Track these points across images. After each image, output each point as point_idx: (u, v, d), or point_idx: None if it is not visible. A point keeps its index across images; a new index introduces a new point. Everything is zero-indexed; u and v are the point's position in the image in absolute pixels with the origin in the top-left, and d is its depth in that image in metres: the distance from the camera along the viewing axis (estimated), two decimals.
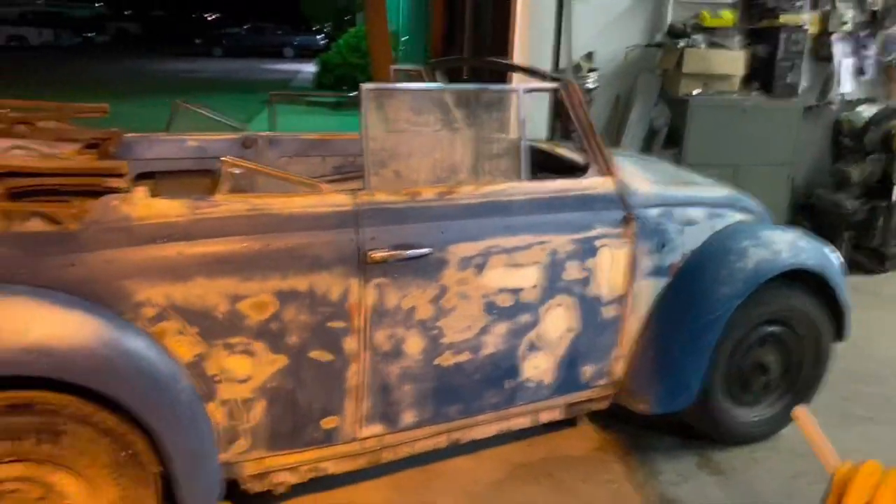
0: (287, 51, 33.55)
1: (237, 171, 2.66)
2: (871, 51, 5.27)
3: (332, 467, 2.24)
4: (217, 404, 2.01)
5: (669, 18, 5.07)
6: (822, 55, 5.25)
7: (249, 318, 1.99)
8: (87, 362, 1.75)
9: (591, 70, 4.99)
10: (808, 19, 4.98)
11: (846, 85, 5.26)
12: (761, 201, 4.38)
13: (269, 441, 2.11)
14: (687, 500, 2.56)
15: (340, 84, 14.63)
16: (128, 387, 1.80)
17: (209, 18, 63.59)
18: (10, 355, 1.67)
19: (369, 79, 14.34)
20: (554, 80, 2.43)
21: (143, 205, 1.89)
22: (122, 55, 31.44)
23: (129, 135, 2.86)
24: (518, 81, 4.65)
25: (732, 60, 4.84)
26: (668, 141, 5.02)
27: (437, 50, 8.19)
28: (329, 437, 2.19)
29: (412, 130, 2.23)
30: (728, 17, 4.92)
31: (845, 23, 5.18)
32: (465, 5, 6.56)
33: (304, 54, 32.98)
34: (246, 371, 2.02)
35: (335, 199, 2.09)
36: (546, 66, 4.88)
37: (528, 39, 4.83)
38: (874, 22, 5.27)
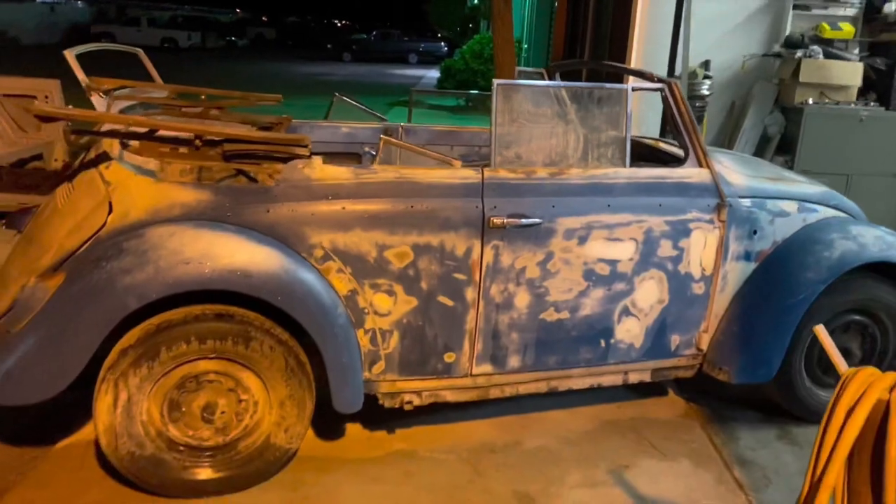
0: (412, 57, 34.79)
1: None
2: None
3: (448, 396, 2.70)
4: (363, 332, 2.52)
5: (788, 29, 5.21)
6: None
7: (392, 264, 2.49)
8: (274, 284, 2.29)
9: (706, 77, 5.22)
10: None
11: None
12: (873, 211, 4.49)
13: (400, 367, 2.60)
14: (762, 463, 2.82)
15: (462, 88, 15.22)
16: (302, 307, 2.33)
17: (339, 25, 66.65)
18: (221, 274, 2.24)
19: (490, 86, 14.89)
20: (659, 80, 2.78)
21: (320, 169, 2.43)
22: (261, 57, 33.69)
23: (296, 121, 3.46)
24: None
25: (850, 71, 4.93)
26: (782, 147, 5.17)
27: (558, 56, 8.55)
28: (448, 370, 2.65)
29: (532, 120, 2.65)
30: (848, 29, 5.02)
31: None
32: (588, 17, 6.91)
33: (426, 60, 34.15)
34: (387, 307, 2.52)
35: (465, 173, 2.55)
36: (662, 72, 5.16)
37: (644, 46, 5.14)
38: None
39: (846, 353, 3.01)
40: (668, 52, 5.05)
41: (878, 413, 1.28)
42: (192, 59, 29.46)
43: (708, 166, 2.82)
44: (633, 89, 2.67)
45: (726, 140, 5.44)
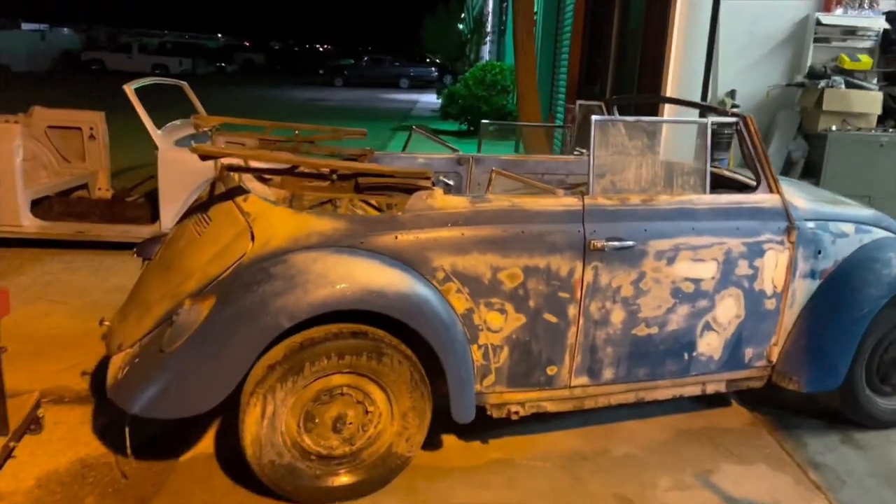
0: (403, 81, 35.26)
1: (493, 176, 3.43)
2: None
3: (549, 406, 2.92)
4: (477, 347, 2.74)
5: (809, 61, 5.55)
6: None
7: (504, 284, 2.71)
8: (405, 304, 2.51)
9: (733, 106, 5.53)
10: None
11: None
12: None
13: (508, 379, 2.81)
14: (833, 466, 3.06)
15: (465, 114, 15.57)
16: (428, 325, 2.55)
17: (321, 49, 67.22)
18: (359, 294, 2.46)
19: (493, 111, 15.25)
20: (734, 115, 3.05)
21: (441, 199, 2.66)
22: (253, 83, 33.96)
23: (377, 153, 3.69)
24: (669, 114, 5.26)
25: (871, 100, 5.26)
26: (805, 172, 5.47)
27: (573, 85, 8.87)
28: (550, 382, 2.87)
29: (623, 152, 2.90)
30: (866, 60, 5.36)
31: None
32: (609, 47, 7.23)
33: (417, 85, 34.63)
34: (499, 324, 2.74)
35: (568, 201, 2.79)
36: (694, 100, 5.46)
37: (679, 79, 5.45)
38: None
39: None
40: (701, 83, 5.36)
41: None
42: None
43: (779, 192, 3.09)
44: (714, 123, 2.94)
45: None
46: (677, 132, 5.44)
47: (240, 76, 40.51)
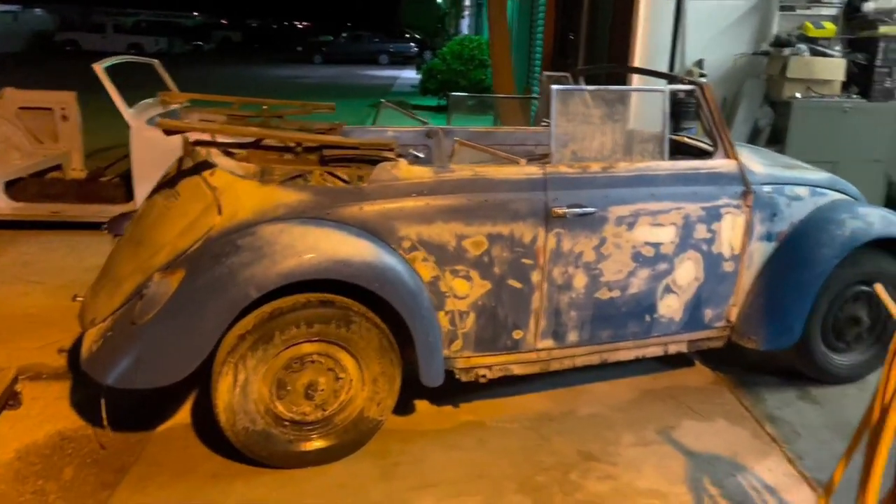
0: (382, 58, 34.95)
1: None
2: None
3: (516, 369, 3.02)
4: (444, 313, 2.82)
5: (775, 29, 5.62)
6: None
7: (469, 252, 2.79)
8: (371, 273, 2.58)
9: (700, 76, 5.60)
10: None
11: None
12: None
13: (475, 344, 2.91)
14: (789, 420, 3.19)
15: (444, 88, 15.53)
16: (395, 292, 2.62)
17: (300, 26, 66.36)
18: (326, 264, 2.52)
19: (471, 86, 15.24)
20: (691, 83, 3.13)
21: (406, 170, 2.72)
22: (230, 61, 33.55)
23: (347, 126, 3.74)
24: (638, 84, 5.32)
25: (834, 67, 5.35)
26: (772, 139, 5.57)
27: (548, 58, 8.90)
28: (516, 345, 2.96)
29: (584, 121, 2.98)
30: (830, 28, 5.44)
31: None
32: (580, 20, 7.27)
33: (396, 61, 34.37)
34: (464, 291, 2.82)
35: (530, 170, 2.86)
36: (662, 71, 5.53)
37: (647, 49, 5.51)
38: None
39: (856, 320, 3.40)
40: (669, 54, 5.42)
41: None
42: (162, 65, 29.25)
43: (735, 157, 3.18)
44: (672, 91, 3.01)
45: None
46: (645, 101, 5.51)
47: (217, 54, 39.99)
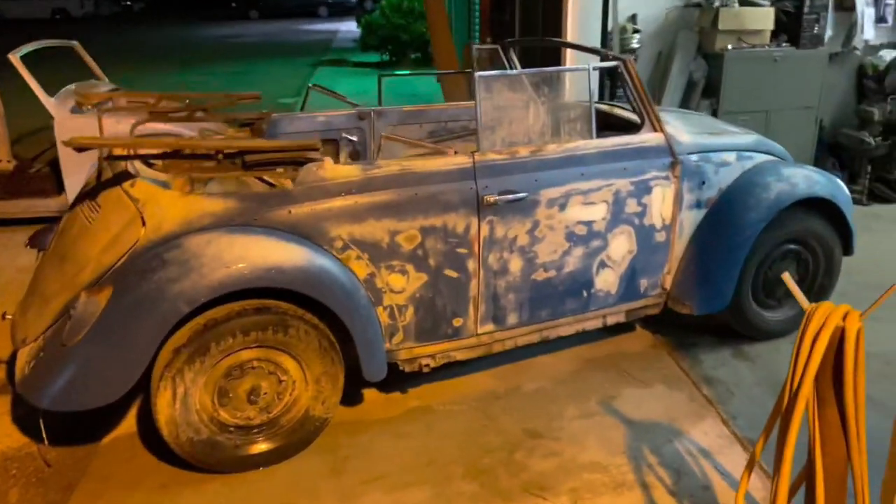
0: (322, 10, 33.92)
1: (350, 140, 3.46)
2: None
3: (458, 355, 3.06)
4: (382, 308, 2.84)
5: None
6: (845, 6, 5.76)
7: (403, 247, 2.79)
8: (305, 277, 2.57)
9: (634, 31, 5.60)
10: None
11: (868, 32, 5.77)
12: (791, 142, 5.01)
13: (416, 335, 2.94)
14: (724, 379, 3.32)
15: (385, 44, 15.22)
16: (330, 294, 2.62)
17: None
18: (257, 272, 2.50)
19: (413, 39, 14.93)
20: (615, 58, 3.13)
21: (332, 169, 2.68)
22: (163, 22, 32.23)
23: (275, 115, 3.65)
24: (573, 55, 5.30)
25: (763, 16, 5.40)
26: (706, 91, 5.63)
27: (485, 13, 8.76)
28: (457, 333, 3.00)
29: (510, 105, 2.96)
30: None
31: None
32: None
33: (337, 12, 33.40)
34: (401, 285, 2.83)
35: (459, 160, 2.85)
36: (596, 28, 5.50)
37: (579, 8, 5.46)
38: None
39: None
40: (601, 10, 5.38)
41: (836, 337, 1.70)
42: (89, 29, 27.89)
43: (661, 130, 3.21)
44: (595, 68, 3.01)
45: (656, 87, 5.86)
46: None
47: (147, 15, 38.32)
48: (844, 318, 1.69)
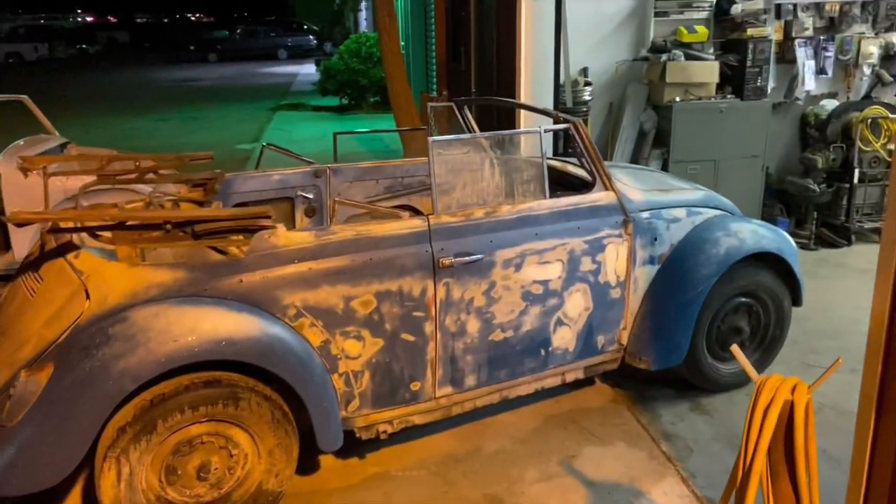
0: (281, 52, 34.15)
1: (307, 197, 3.44)
2: (830, 52, 6.01)
3: (417, 419, 3.01)
4: (338, 375, 2.78)
5: (651, 35, 5.80)
6: (787, 58, 6.00)
7: (358, 312, 2.76)
8: (257, 348, 2.51)
9: (586, 84, 5.73)
10: (772, 30, 5.72)
11: (809, 83, 6.01)
12: (740, 189, 5.13)
13: (373, 401, 2.88)
14: (683, 435, 3.33)
15: (344, 88, 15.33)
16: (283, 364, 2.57)
17: (194, 19, 63.90)
18: (207, 346, 2.44)
19: (372, 84, 15.07)
20: (565, 120, 3.18)
21: (285, 236, 2.65)
22: (119, 64, 31.99)
23: (229, 174, 3.62)
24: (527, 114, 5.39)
25: (708, 70, 5.58)
26: (657, 141, 5.78)
27: (441, 63, 8.89)
28: (415, 397, 2.96)
29: (464, 167, 2.98)
30: (702, 32, 5.66)
31: (806, 29, 5.93)
32: (469, 29, 7.28)
33: (296, 55, 33.62)
34: (357, 351, 2.79)
35: (414, 223, 2.85)
36: (549, 80, 5.62)
37: (532, 61, 5.58)
38: (832, 27, 6.02)
39: (737, 331, 3.58)
40: (553, 65, 5.50)
41: (786, 410, 1.71)
42: (43, 73, 27.58)
43: (612, 188, 3.26)
44: (546, 131, 3.05)
45: (609, 137, 6.00)
46: (537, 122, 5.60)
47: (104, 57, 38.03)
48: (793, 391, 1.70)
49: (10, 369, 2.48)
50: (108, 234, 2.56)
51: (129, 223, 2.49)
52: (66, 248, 2.58)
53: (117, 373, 2.33)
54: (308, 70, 25.14)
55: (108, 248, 2.63)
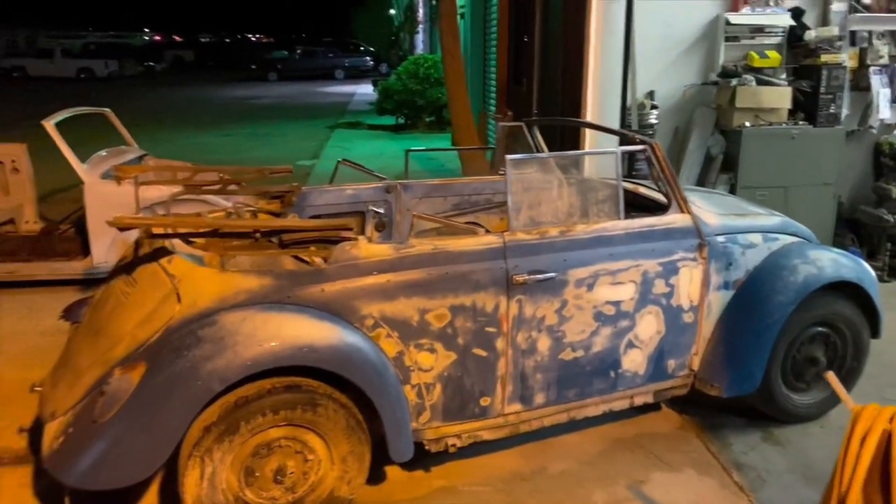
0: (338, 73, 34.87)
1: (379, 217, 3.51)
2: None
3: (485, 435, 3.03)
4: (410, 387, 2.82)
5: (721, 59, 5.76)
6: (861, 86, 5.87)
7: (432, 325, 2.80)
8: (336, 356, 2.57)
9: (652, 107, 5.71)
10: (846, 57, 5.61)
11: (884, 111, 5.86)
12: (810, 218, 5.03)
13: (443, 414, 2.91)
14: (754, 465, 3.26)
15: (401, 108, 15.56)
16: (360, 373, 2.62)
17: (254, 39, 65.78)
18: (290, 351, 2.51)
19: (428, 104, 15.27)
20: (642, 142, 3.19)
21: (365, 248, 2.72)
22: (184, 82, 33.10)
23: (305, 188, 3.72)
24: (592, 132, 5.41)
25: (780, 95, 5.50)
26: (724, 166, 5.70)
27: (502, 83, 8.97)
28: (484, 412, 2.98)
29: (540, 186, 3.01)
30: (774, 57, 5.59)
31: (882, 56, 5.80)
32: (533, 52, 7.34)
33: (353, 75, 34.30)
34: (430, 363, 2.83)
35: (489, 239, 2.89)
36: (615, 104, 5.62)
37: (599, 81, 5.59)
38: None
39: (813, 360, 3.49)
40: (620, 86, 5.51)
41: (884, 440, 1.68)
42: (113, 88, 28.73)
43: (688, 212, 3.24)
44: (623, 153, 3.06)
45: (674, 162, 5.95)
46: (604, 142, 5.61)
47: (170, 75, 39.44)
48: (891, 420, 1.67)
49: (103, 367, 2.60)
50: (201, 240, 2.66)
51: (222, 231, 2.59)
52: (159, 254, 2.69)
53: (206, 374, 2.41)
54: (364, 90, 25.59)
55: (197, 253, 2.74)
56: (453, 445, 2.96)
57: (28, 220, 6.21)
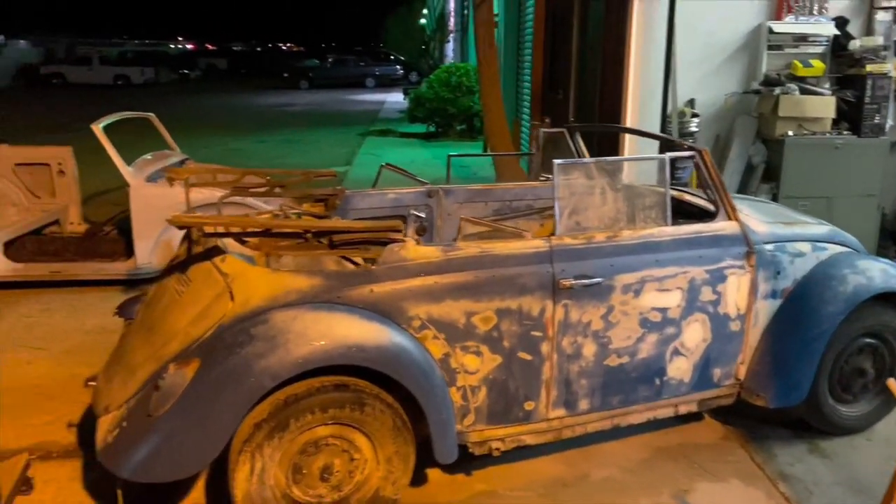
0: (369, 81, 35.17)
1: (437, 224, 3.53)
2: None
3: (528, 439, 3.02)
4: (455, 389, 2.83)
5: (764, 68, 5.70)
6: None
7: (478, 327, 2.81)
8: (384, 356, 2.59)
9: (693, 115, 5.67)
10: (891, 66, 5.52)
11: None
12: (853, 228, 4.95)
13: (488, 417, 2.91)
14: (801, 477, 3.20)
15: (432, 116, 15.63)
16: (407, 373, 2.63)
17: (285, 48, 66.72)
18: (339, 350, 2.53)
19: (460, 112, 15.33)
20: (690, 148, 3.17)
21: (413, 250, 2.74)
22: (218, 89, 33.63)
23: (348, 191, 3.76)
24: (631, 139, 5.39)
25: (824, 105, 5.43)
26: (766, 175, 5.64)
27: (537, 92, 8.98)
28: (528, 416, 2.97)
29: (587, 191, 3.01)
30: (818, 66, 5.53)
31: None
32: (570, 60, 7.34)
33: (383, 83, 34.58)
34: (475, 366, 2.83)
35: (536, 243, 2.89)
36: (655, 112, 5.60)
37: (640, 89, 5.58)
38: None
39: (861, 372, 3.43)
40: (661, 94, 5.49)
41: None
42: (149, 95, 29.30)
43: (736, 219, 3.22)
44: (672, 158, 3.05)
45: None
46: (644, 149, 5.58)
47: (204, 82, 40.13)
48: None
49: (157, 363, 2.65)
50: (254, 240, 2.71)
51: (274, 231, 2.63)
52: (212, 253, 2.74)
53: (258, 370, 2.44)
54: (395, 98, 25.77)
55: (247, 253, 2.79)
56: (497, 449, 2.96)
57: (73, 221, 6.36)
